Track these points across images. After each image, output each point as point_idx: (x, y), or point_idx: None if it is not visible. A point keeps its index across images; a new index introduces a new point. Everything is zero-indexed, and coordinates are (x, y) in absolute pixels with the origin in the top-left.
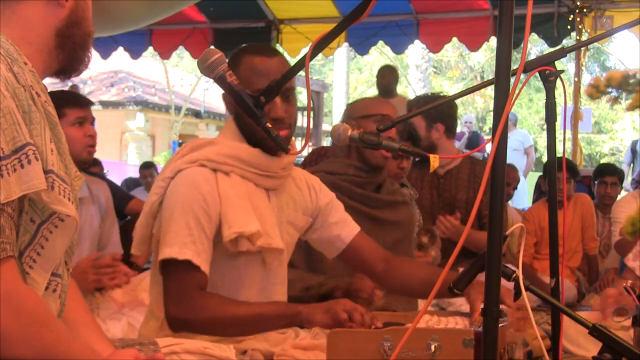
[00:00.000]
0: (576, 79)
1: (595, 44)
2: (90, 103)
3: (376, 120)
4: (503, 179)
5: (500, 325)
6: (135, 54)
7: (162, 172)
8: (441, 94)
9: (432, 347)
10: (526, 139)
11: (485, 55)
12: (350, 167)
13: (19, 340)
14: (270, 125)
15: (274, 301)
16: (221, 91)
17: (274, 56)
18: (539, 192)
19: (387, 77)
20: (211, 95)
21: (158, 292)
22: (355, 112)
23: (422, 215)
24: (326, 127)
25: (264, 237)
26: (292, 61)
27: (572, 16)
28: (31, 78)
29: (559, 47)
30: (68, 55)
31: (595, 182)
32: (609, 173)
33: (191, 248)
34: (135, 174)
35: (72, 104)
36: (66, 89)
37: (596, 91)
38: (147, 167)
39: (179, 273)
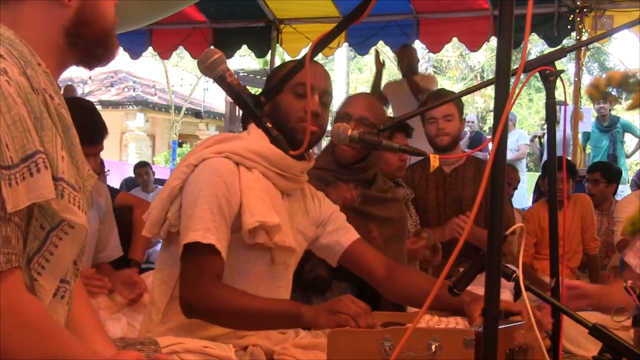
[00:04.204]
0: (576, 79)
1: (595, 44)
2: (104, 134)
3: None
4: (503, 179)
5: (508, 326)
6: (135, 54)
7: (186, 159)
8: None
9: (433, 347)
10: (522, 137)
11: (485, 55)
12: (331, 163)
13: (20, 351)
14: (270, 125)
15: (280, 298)
16: (222, 91)
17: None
18: (538, 192)
19: (404, 57)
20: (211, 95)
21: (163, 278)
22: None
23: (428, 213)
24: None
25: (280, 234)
26: None
27: (572, 16)
28: (45, 80)
29: (559, 47)
30: (83, 52)
31: None
32: (590, 170)
33: (214, 233)
34: None
35: (83, 142)
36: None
37: (596, 91)
38: (142, 166)
39: (199, 257)
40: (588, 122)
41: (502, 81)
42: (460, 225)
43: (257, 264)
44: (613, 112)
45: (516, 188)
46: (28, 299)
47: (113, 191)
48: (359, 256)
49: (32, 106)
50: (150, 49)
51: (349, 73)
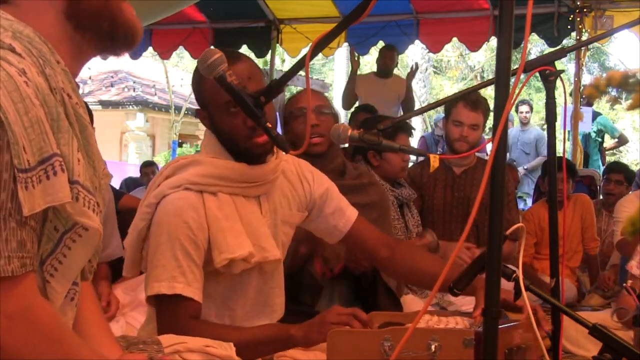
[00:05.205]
0: (576, 79)
1: (595, 44)
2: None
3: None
4: (503, 179)
5: (507, 325)
6: (135, 53)
7: (147, 197)
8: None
9: (432, 347)
10: None
11: (485, 55)
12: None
13: (29, 355)
14: (270, 125)
15: (266, 324)
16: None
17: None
18: (538, 192)
19: (387, 58)
20: None
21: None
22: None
23: (434, 212)
24: None
25: (259, 253)
26: (292, 61)
27: (572, 16)
28: (63, 78)
29: (559, 47)
30: (93, 32)
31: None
32: (613, 170)
33: (181, 281)
34: (135, 173)
35: None
36: None
37: (596, 91)
38: (148, 165)
39: (170, 306)
40: (588, 122)
41: (502, 81)
42: (465, 253)
43: (243, 276)
44: (596, 109)
45: (516, 188)
46: (40, 303)
47: (117, 193)
48: (360, 238)
49: (50, 107)
50: (150, 49)
51: (349, 73)
